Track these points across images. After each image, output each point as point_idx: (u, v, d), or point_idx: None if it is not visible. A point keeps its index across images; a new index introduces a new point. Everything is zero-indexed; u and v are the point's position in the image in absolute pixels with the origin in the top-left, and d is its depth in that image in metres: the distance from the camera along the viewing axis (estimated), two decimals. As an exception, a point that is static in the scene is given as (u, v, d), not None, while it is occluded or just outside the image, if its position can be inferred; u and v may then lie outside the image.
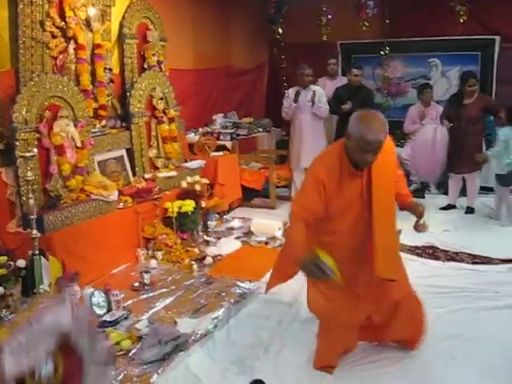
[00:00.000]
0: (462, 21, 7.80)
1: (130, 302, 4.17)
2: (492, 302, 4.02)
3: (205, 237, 5.53)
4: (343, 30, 8.49)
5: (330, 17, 8.51)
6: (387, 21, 8.43)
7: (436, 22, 8.24)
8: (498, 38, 8.03)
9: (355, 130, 2.81)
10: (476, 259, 5.02)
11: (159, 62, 6.10)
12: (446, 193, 6.93)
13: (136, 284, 4.45)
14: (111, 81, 5.60)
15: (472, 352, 3.38)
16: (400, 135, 8.01)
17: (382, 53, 8.71)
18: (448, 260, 5.04)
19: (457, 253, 5.18)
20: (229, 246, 5.21)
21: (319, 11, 8.53)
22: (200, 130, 7.25)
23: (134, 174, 5.59)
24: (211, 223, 5.79)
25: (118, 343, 3.44)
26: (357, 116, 2.86)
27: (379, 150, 2.82)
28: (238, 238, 5.58)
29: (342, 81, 7.88)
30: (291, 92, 6.94)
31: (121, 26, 5.70)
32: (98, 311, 3.89)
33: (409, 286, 3.28)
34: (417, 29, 8.31)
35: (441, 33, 8.20)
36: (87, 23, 5.23)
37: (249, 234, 5.71)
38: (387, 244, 2.96)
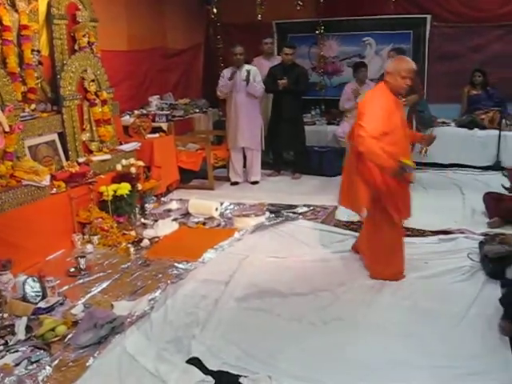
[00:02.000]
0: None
1: (65, 287, 4.11)
2: (421, 272, 4.18)
3: (142, 219, 5.49)
4: (278, 9, 8.52)
5: (264, -4, 8.54)
6: (321, 0, 8.50)
7: (369, 1, 8.37)
8: (429, 16, 8.25)
9: (396, 66, 3.95)
10: (409, 232, 5.18)
11: (90, 43, 5.93)
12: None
13: (72, 269, 4.40)
14: (40, 63, 5.43)
15: (400, 320, 3.53)
16: (336, 113, 8.16)
17: (317, 32, 8.79)
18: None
19: (390, 227, 5.32)
20: (166, 227, 5.19)
21: (253, -10, 8.54)
22: (135, 112, 7.16)
23: (68, 159, 5.46)
24: (148, 206, 5.75)
25: (52, 329, 3.41)
26: (393, 59, 4.27)
27: (412, 78, 3.96)
28: (175, 219, 5.55)
29: (278, 60, 7.91)
30: (226, 72, 6.95)
31: (49, 6, 5.50)
32: (32, 298, 3.83)
33: None
34: (351, 8, 8.43)
35: (374, 12, 8.35)
36: (12, 3, 5.05)
37: (187, 215, 5.71)
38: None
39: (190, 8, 8.73)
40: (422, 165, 7.47)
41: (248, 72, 6.76)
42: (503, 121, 7.50)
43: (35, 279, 3.92)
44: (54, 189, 4.92)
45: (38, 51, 5.41)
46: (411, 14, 8.29)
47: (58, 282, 4.04)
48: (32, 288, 3.86)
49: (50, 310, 3.73)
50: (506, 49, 7.77)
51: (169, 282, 4.13)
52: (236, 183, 7.22)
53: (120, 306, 3.79)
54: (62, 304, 3.82)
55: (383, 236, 4.14)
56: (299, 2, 7.93)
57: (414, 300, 3.79)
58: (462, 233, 4.99)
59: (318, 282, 4.11)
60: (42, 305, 3.76)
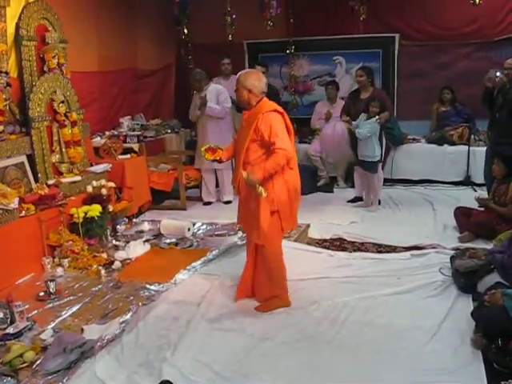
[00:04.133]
0: (362, 19, 8.05)
1: (34, 312, 4.03)
2: (393, 288, 4.21)
3: (113, 241, 5.42)
4: (249, 29, 8.56)
5: (234, 16, 8.57)
6: (291, 20, 8.59)
7: (338, 21, 8.50)
8: (397, 35, 8.38)
9: None
10: (381, 248, 5.22)
11: (60, 65, 5.90)
12: (353, 186, 7.11)
13: (41, 293, 4.31)
14: (8, 85, 5.37)
15: (372, 338, 3.53)
16: (308, 132, 8.21)
17: (287, 51, 8.87)
18: (354, 251, 5.20)
19: (363, 243, 5.35)
20: (138, 249, 5.12)
21: (224, 11, 8.58)
22: (107, 133, 7.11)
23: (37, 181, 5.39)
24: (120, 227, 5.69)
25: (20, 355, 3.32)
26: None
27: (238, 89, 3.93)
28: (147, 240, 5.48)
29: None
30: (195, 97, 6.97)
31: (17, 27, 5.48)
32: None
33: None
34: (320, 28, 8.55)
35: (344, 31, 8.46)
36: (-21, 25, 5.04)
37: (159, 236, 5.65)
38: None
39: (160, 29, 8.74)
40: (393, 181, 7.59)
41: (203, 97, 6.76)
42: (472, 136, 7.63)
43: (2, 304, 3.83)
44: (23, 212, 4.84)
45: (7, 73, 5.35)
46: (380, 33, 8.42)
47: (26, 306, 3.95)
48: (-1, 313, 3.77)
49: (18, 335, 3.64)
50: (473, 66, 7.91)
51: (140, 304, 4.07)
52: (209, 203, 7.18)
53: (90, 329, 3.71)
54: (30, 329, 3.73)
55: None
56: (269, 22, 7.98)
57: (388, 317, 3.80)
58: (434, 248, 5.06)
59: (290, 300, 4.09)
60: (9, 330, 3.67)
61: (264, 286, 4.07)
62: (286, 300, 4.05)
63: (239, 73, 4.02)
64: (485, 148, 6.60)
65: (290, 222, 4.05)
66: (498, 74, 5.80)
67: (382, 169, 6.92)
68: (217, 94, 6.88)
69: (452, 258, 4.46)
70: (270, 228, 3.87)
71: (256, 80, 3.90)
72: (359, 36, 8.43)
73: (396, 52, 8.45)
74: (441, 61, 8.29)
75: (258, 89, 3.89)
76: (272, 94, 7.21)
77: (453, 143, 7.71)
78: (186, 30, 8.94)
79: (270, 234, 3.89)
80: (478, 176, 7.06)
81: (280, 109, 3.95)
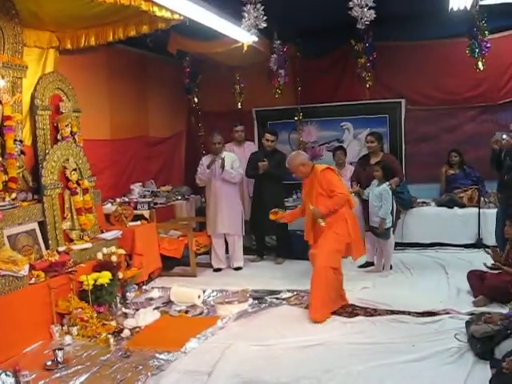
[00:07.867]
0: (368, 86, 8.22)
1: (41, 382, 3.94)
2: (408, 356, 4.08)
3: (123, 309, 5.37)
4: (258, 97, 8.79)
5: (242, 85, 8.79)
6: (299, 88, 8.78)
7: (345, 88, 8.67)
8: (403, 100, 8.52)
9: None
10: (394, 314, 5.10)
11: (73, 133, 6.03)
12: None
13: (49, 363, 4.22)
14: (22, 152, 5.49)
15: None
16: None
17: (296, 118, 9.02)
18: (367, 317, 5.09)
19: (375, 309, 5.25)
20: (147, 317, 5.06)
21: (233, 80, 8.81)
22: (117, 199, 7.15)
23: (48, 248, 5.40)
24: (129, 294, 5.64)
25: (25, 428, 3.25)
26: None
27: (296, 172, 5.47)
28: (157, 308, 5.44)
29: (249, 146, 8.08)
30: (205, 160, 7.03)
31: (32, 97, 5.65)
32: (6, 395, 3.67)
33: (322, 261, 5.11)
34: (328, 94, 8.71)
35: (351, 97, 8.62)
36: (-4, 95, 5.18)
37: (169, 303, 5.60)
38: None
39: (171, 97, 8.94)
40: (404, 245, 7.53)
41: (222, 159, 6.86)
42: (482, 198, 7.61)
43: (9, 374, 3.76)
44: (33, 279, 4.83)
45: (21, 141, 5.48)
46: (386, 98, 8.57)
47: (33, 376, 3.90)
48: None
49: (24, 406, 3.57)
50: (479, 129, 8.04)
51: (149, 374, 3.98)
52: (219, 269, 7.15)
53: (98, 401, 3.63)
54: (37, 400, 3.66)
55: None
56: (278, 90, 8.15)
57: (403, 384, 3.68)
58: (448, 313, 4.95)
59: (304, 369, 3.98)
60: (16, 402, 3.60)
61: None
62: None
63: (288, 161, 5.50)
64: (495, 210, 6.58)
65: (360, 248, 5.54)
66: (504, 136, 5.86)
67: (393, 233, 6.87)
68: (232, 160, 6.97)
69: (467, 323, 4.36)
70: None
71: (297, 158, 5.44)
72: (366, 102, 8.58)
73: (402, 117, 8.58)
74: (447, 124, 8.40)
75: (304, 160, 5.41)
76: (281, 160, 7.34)
77: (463, 206, 7.70)
78: (196, 99, 9.17)
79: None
80: (490, 238, 7.00)
81: (330, 166, 5.49)
